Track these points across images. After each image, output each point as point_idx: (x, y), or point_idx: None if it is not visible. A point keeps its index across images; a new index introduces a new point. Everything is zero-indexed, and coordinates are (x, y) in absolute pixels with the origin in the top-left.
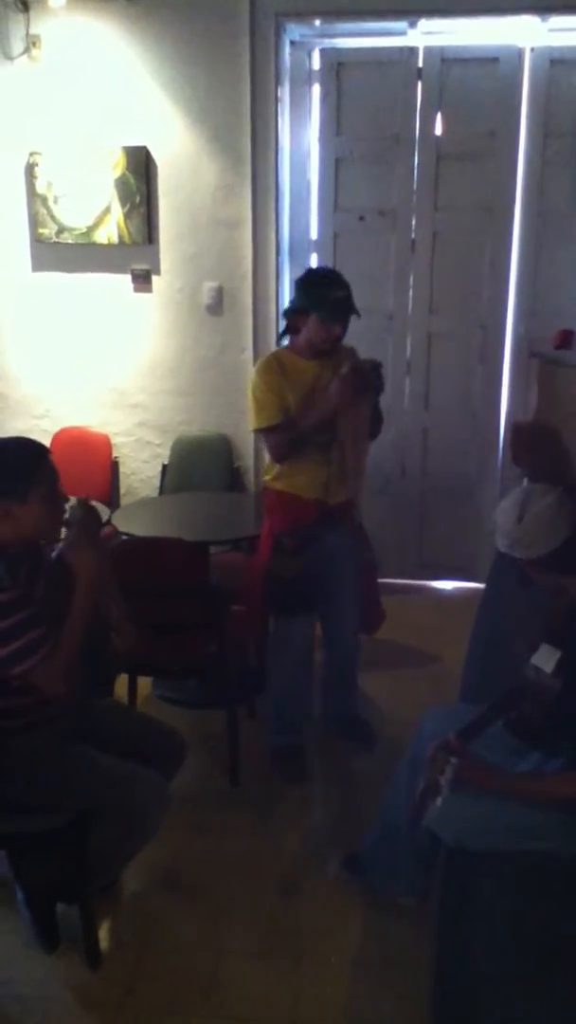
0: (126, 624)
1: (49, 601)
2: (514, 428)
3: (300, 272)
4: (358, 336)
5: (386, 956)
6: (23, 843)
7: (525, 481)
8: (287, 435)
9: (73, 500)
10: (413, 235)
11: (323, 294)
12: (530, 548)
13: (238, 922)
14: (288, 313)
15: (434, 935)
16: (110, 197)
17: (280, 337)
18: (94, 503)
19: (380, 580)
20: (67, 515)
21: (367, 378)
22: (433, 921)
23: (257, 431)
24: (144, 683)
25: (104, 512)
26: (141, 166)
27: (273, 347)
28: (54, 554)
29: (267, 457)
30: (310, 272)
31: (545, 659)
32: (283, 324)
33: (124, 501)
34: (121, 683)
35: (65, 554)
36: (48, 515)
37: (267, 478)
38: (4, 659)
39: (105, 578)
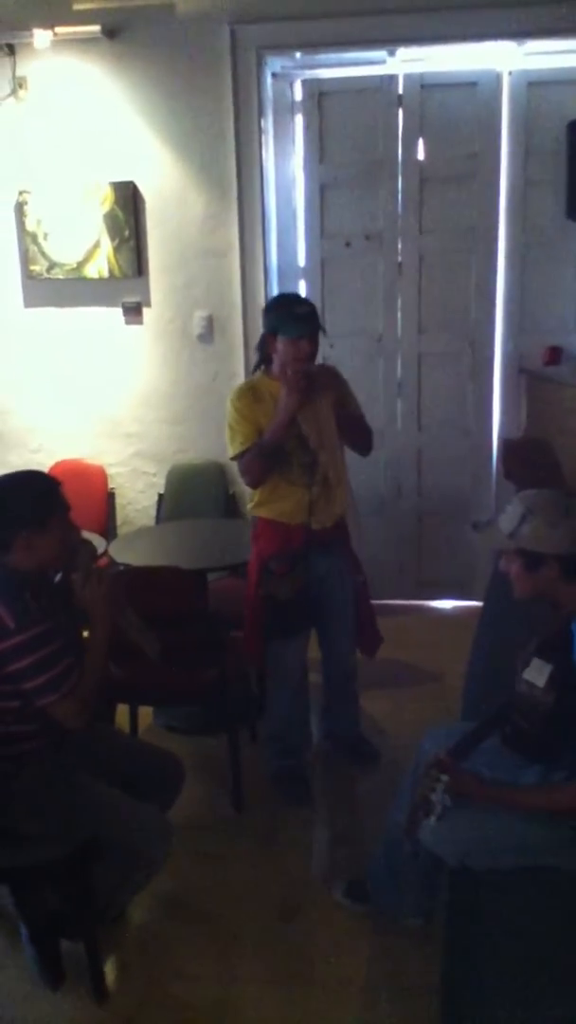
0: (148, 634)
1: (67, 630)
2: (506, 444)
3: None
4: (348, 358)
5: (394, 978)
6: (25, 877)
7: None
8: (257, 456)
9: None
10: (400, 258)
11: (286, 312)
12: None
13: (245, 949)
14: (260, 345)
15: (441, 956)
16: (99, 232)
17: (254, 370)
18: (87, 537)
19: (379, 601)
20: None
21: (314, 377)
22: (440, 942)
23: (232, 459)
24: (145, 712)
25: (101, 543)
26: (129, 201)
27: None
28: (56, 579)
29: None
30: (274, 297)
31: (536, 673)
32: (256, 357)
33: (121, 531)
34: (122, 713)
35: (78, 598)
36: (62, 543)
37: (251, 506)
38: (31, 691)
39: (117, 604)
